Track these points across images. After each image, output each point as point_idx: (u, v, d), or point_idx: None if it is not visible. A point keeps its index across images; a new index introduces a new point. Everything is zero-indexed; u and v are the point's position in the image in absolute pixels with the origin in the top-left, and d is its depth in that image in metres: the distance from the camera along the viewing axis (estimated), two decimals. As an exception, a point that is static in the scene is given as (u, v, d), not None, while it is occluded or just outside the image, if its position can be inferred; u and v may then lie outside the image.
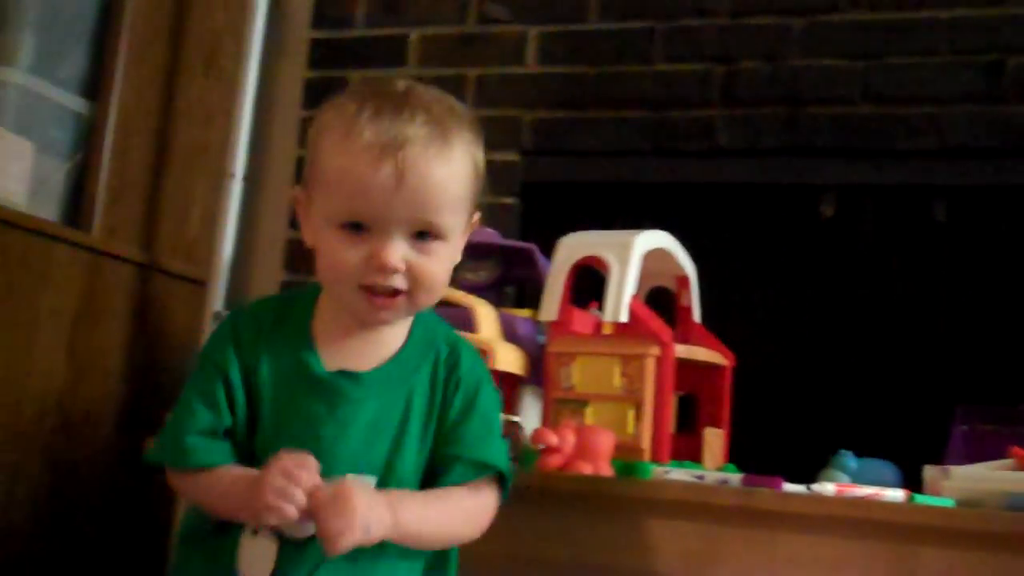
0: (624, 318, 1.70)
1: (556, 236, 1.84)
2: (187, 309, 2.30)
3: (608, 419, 1.69)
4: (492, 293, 2.06)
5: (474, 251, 2.04)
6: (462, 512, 1.24)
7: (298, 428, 1.19)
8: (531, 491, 1.58)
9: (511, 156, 2.39)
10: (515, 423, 1.71)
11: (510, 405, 1.80)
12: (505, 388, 1.81)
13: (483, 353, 1.74)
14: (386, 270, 1.15)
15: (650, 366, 1.69)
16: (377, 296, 1.17)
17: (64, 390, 2.03)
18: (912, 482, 1.63)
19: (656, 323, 1.72)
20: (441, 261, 1.19)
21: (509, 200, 2.38)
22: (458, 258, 1.25)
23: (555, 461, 1.59)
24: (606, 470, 1.59)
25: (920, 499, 1.50)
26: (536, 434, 1.61)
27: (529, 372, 1.84)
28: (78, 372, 2.06)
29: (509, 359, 1.78)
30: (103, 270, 2.12)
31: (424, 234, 1.17)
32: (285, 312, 1.27)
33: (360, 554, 1.14)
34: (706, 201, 2.30)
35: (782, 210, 2.26)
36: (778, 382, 2.15)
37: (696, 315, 1.88)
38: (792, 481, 1.53)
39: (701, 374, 1.83)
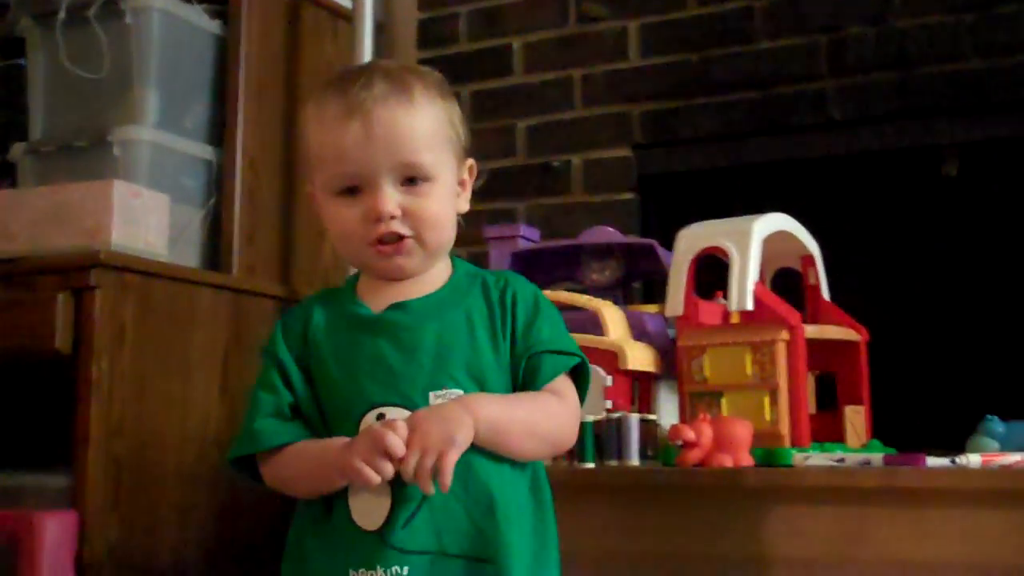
0: (749, 306, 1.70)
1: (678, 226, 1.85)
2: (328, 336, 2.36)
3: (744, 408, 1.70)
4: (620, 291, 2.08)
5: (596, 251, 2.08)
6: (549, 413, 1.25)
7: (369, 366, 1.23)
8: (672, 488, 1.61)
9: (624, 151, 2.40)
10: (651, 421, 1.73)
11: (646, 403, 1.83)
12: (640, 386, 1.84)
13: (613, 356, 1.77)
14: (383, 216, 1.22)
15: (781, 351, 1.69)
16: (386, 245, 1.24)
17: (221, 427, 2.11)
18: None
19: (783, 307, 1.72)
20: (437, 200, 1.25)
21: (627, 195, 2.39)
22: (464, 205, 1.31)
23: (694, 456, 1.61)
24: (746, 460, 1.60)
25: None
26: (673, 431, 1.62)
27: (662, 367, 1.86)
28: (232, 408, 2.14)
29: (640, 358, 1.80)
30: (246, 307, 2.21)
31: (412, 180, 1.23)
32: (329, 294, 1.34)
33: (467, 478, 1.18)
34: (825, 175, 2.27)
35: (903, 175, 2.22)
36: (917, 351, 2.12)
37: (825, 292, 1.87)
38: (941, 449, 1.51)
39: (836, 352, 1.82)
